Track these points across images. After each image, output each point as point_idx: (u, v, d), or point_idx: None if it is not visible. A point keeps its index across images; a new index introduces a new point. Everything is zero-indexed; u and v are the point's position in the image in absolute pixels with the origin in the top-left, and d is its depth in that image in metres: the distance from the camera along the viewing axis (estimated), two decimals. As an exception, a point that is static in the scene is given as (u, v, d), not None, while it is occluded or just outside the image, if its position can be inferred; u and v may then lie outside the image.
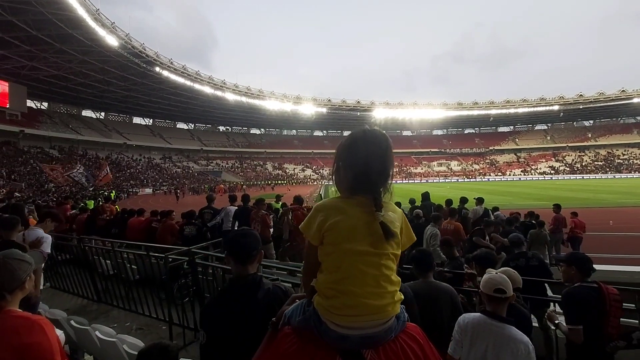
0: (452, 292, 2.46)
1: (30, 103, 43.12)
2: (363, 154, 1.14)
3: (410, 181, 60.03)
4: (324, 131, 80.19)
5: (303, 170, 66.46)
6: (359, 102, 63.59)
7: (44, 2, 25.00)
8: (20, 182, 28.30)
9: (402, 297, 1.14)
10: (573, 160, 64.88)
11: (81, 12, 27.40)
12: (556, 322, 2.41)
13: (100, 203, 10.35)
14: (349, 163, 1.16)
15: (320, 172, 65.90)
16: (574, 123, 73.81)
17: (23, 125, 38.31)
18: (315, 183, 55.10)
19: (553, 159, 67.04)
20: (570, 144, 68.56)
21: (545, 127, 76.31)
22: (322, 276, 1.11)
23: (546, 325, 3.52)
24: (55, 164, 35.34)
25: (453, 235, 5.42)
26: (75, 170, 25.38)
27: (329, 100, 62.53)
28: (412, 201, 7.17)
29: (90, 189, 29.05)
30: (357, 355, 1.04)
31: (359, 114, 66.42)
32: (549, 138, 72.89)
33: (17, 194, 21.40)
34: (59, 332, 1.62)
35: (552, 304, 3.75)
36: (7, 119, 37.13)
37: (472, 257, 3.28)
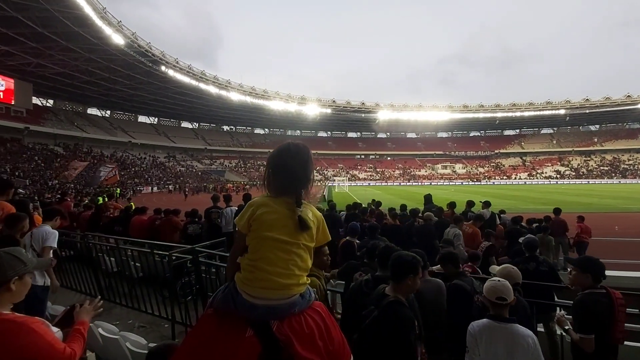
0: (442, 284, 2.75)
1: (35, 100, 43.40)
2: (288, 163, 1.40)
3: (413, 183, 59.81)
4: (328, 132, 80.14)
5: (306, 171, 66.46)
6: (363, 103, 63.54)
7: (50, -1, 25.19)
8: (24, 178, 28.49)
9: (309, 281, 1.38)
10: (579, 164, 64.46)
11: (88, 10, 27.56)
12: (566, 327, 2.38)
13: (105, 200, 10.39)
14: (277, 170, 1.41)
15: (324, 173, 65.87)
16: (580, 127, 73.38)
17: (28, 122, 38.54)
18: (318, 184, 55.05)
19: (559, 163, 66.61)
20: (576, 148, 68.12)
21: (552, 131, 75.84)
22: (246, 255, 1.35)
23: (552, 330, 3.48)
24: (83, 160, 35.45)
25: (469, 239, 5.37)
26: (109, 169, 25.77)
27: (334, 101, 62.54)
28: (414, 212, 6.88)
29: (95, 186, 29.20)
30: (265, 325, 1.24)
31: (363, 115, 66.41)
32: (555, 142, 72.44)
33: (20, 190, 21.53)
34: (55, 330, 1.58)
35: (558, 308, 3.70)
36: (12, 116, 37.39)
37: (437, 259, 3.37)
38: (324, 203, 15.69)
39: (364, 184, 58.72)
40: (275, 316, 1.26)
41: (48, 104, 47.80)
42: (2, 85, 35.88)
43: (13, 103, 37.29)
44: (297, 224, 1.30)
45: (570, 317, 2.58)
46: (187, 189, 35.21)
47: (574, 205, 19.84)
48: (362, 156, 76.28)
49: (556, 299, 4.07)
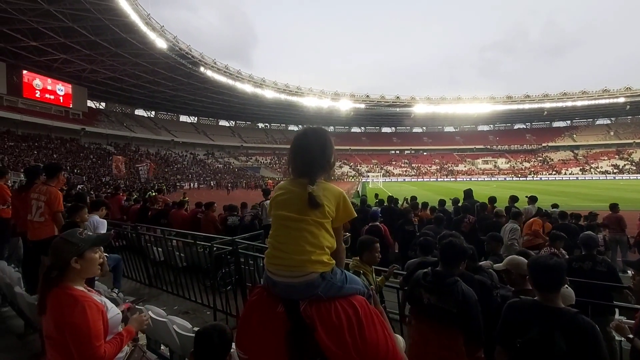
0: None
1: (90, 103, 47.11)
2: (304, 145, 1.45)
3: (451, 179, 57.59)
4: (362, 127, 79.36)
5: (340, 167, 66.36)
6: (398, 97, 62.01)
7: (101, 9, 27.15)
8: (82, 175, 31.12)
9: (328, 261, 1.34)
10: (641, 158, 58.49)
11: (134, 17, 29.38)
12: (630, 336, 2.13)
13: (153, 194, 11.08)
14: (294, 153, 1.46)
15: (357, 168, 65.40)
16: (643, 117, 66.42)
17: (84, 124, 42.11)
18: (352, 180, 54.77)
19: (617, 156, 60.87)
20: (637, 140, 61.69)
21: (609, 122, 69.39)
22: (270, 234, 1.43)
23: (610, 335, 3.19)
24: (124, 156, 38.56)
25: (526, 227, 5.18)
26: (144, 165, 27.91)
27: (367, 96, 61.67)
28: (455, 201, 6.88)
29: (143, 180, 31.25)
30: (294, 303, 1.28)
31: (398, 109, 64.94)
32: (612, 134, 66.20)
33: (80, 185, 23.58)
34: (116, 312, 1.70)
35: (616, 310, 3.39)
36: (70, 118, 41.11)
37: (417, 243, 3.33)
38: (357, 198, 15.58)
39: (398, 180, 57.53)
40: (294, 295, 1.29)
41: (101, 107, 51.78)
42: (62, 90, 39.44)
43: (71, 106, 40.96)
44: (307, 200, 1.31)
45: (632, 322, 2.34)
46: (229, 185, 37.76)
47: (636, 202, 18.05)
48: (397, 151, 74.66)
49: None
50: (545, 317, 1.66)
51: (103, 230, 4.00)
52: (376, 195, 8.45)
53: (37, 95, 36.86)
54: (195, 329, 2.52)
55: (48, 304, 1.52)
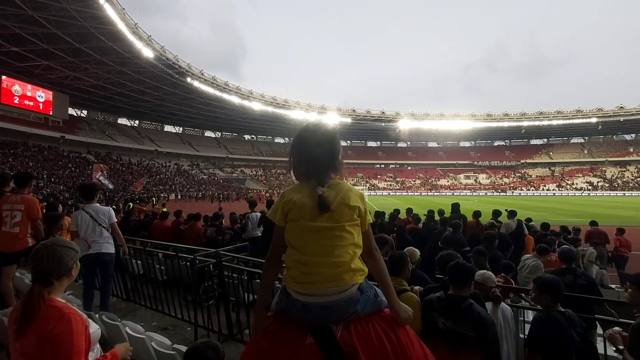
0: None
1: (71, 111, 45.90)
2: (309, 146, 1.28)
3: (435, 193, 58.56)
4: (348, 141, 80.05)
5: (326, 180, 66.46)
6: (383, 112, 63.28)
7: (87, 16, 26.80)
8: (59, 184, 30.00)
9: (364, 268, 1.21)
10: (613, 175, 61.13)
11: (121, 26, 29.11)
12: (620, 347, 2.13)
13: (132, 205, 10.77)
14: (300, 155, 1.29)
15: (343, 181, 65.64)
16: (614, 136, 69.81)
17: (64, 132, 40.85)
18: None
19: (591, 173, 63.45)
20: (609, 159, 64.71)
21: (582, 140, 72.57)
22: (288, 251, 1.25)
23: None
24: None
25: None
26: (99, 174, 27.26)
27: (354, 110, 62.66)
28: (440, 212, 7.03)
29: (120, 193, 30.41)
30: (327, 331, 1.09)
31: (383, 124, 66.10)
32: (586, 152, 69.20)
33: (58, 195, 22.71)
34: (95, 327, 1.62)
35: (597, 323, 3.43)
36: (50, 125, 39.83)
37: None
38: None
39: (383, 194, 58.05)
40: (332, 317, 1.12)
41: (82, 115, 50.49)
42: (42, 97, 38.33)
43: (51, 113, 39.73)
44: (317, 204, 1.17)
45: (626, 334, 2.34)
46: (221, 197, 38.05)
47: (610, 218, 18.76)
48: (382, 165, 75.64)
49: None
50: None
51: (114, 219, 4.00)
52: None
53: (16, 101, 35.65)
54: (176, 346, 2.40)
55: (32, 318, 1.41)
